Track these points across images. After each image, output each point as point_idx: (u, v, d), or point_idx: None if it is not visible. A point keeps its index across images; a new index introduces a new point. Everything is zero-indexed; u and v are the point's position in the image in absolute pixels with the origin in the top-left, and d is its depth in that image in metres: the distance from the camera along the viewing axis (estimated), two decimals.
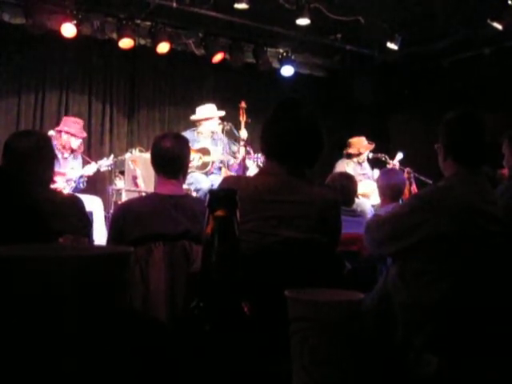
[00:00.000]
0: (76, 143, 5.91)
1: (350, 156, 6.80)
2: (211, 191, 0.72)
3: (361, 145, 6.77)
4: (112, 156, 6.29)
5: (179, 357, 0.70)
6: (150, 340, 1.01)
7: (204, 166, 5.81)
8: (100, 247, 0.84)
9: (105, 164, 6.05)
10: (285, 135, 2.07)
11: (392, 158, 6.84)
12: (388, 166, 6.59)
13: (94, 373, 0.57)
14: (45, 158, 2.71)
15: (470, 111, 2.22)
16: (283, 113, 2.12)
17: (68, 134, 5.86)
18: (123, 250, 0.63)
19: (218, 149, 5.97)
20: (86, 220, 2.85)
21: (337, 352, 0.78)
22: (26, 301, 0.54)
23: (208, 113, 6.06)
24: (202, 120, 6.02)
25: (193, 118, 6.17)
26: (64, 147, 5.84)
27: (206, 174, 5.81)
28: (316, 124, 2.12)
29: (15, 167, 2.59)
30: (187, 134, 5.29)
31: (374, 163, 6.88)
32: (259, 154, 5.55)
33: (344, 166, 6.62)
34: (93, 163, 6.02)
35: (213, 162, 5.86)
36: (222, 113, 6.15)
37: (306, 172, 2.10)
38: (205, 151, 5.86)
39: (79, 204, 2.81)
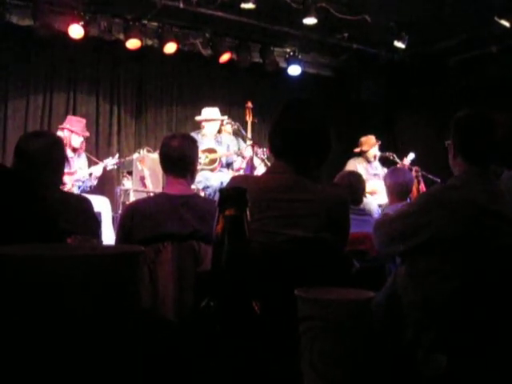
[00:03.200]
0: (77, 141, 5.92)
1: (361, 154, 6.78)
2: (221, 190, 0.72)
3: (371, 142, 6.78)
4: (117, 155, 6.34)
5: (190, 356, 0.71)
6: (160, 339, 1.01)
7: (211, 162, 5.91)
8: (111, 247, 0.84)
9: (111, 163, 6.11)
10: (292, 135, 2.07)
11: (401, 157, 6.81)
12: (398, 165, 6.57)
13: (104, 372, 0.57)
14: (55, 158, 2.72)
15: (479, 110, 2.21)
16: (291, 112, 2.12)
17: (69, 132, 5.88)
18: (134, 249, 0.63)
19: (222, 148, 6.11)
20: (95, 220, 2.85)
21: (346, 351, 0.78)
22: (35, 300, 0.55)
23: (210, 114, 6.19)
24: (204, 121, 6.13)
25: (197, 118, 6.32)
26: (66, 145, 5.85)
27: (213, 170, 5.89)
28: (323, 123, 2.12)
29: (26, 168, 2.60)
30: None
31: (384, 163, 6.86)
32: (265, 149, 5.62)
33: (355, 165, 6.60)
34: (100, 163, 6.05)
35: (220, 158, 5.95)
36: (225, 117, 6.30)
37: (316, 172, 2.09)
38: (210, 150, 6.00)
39: (88, 204, 2.81)
